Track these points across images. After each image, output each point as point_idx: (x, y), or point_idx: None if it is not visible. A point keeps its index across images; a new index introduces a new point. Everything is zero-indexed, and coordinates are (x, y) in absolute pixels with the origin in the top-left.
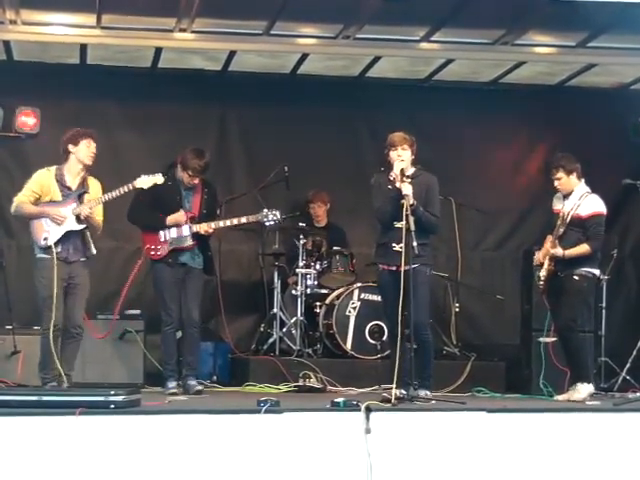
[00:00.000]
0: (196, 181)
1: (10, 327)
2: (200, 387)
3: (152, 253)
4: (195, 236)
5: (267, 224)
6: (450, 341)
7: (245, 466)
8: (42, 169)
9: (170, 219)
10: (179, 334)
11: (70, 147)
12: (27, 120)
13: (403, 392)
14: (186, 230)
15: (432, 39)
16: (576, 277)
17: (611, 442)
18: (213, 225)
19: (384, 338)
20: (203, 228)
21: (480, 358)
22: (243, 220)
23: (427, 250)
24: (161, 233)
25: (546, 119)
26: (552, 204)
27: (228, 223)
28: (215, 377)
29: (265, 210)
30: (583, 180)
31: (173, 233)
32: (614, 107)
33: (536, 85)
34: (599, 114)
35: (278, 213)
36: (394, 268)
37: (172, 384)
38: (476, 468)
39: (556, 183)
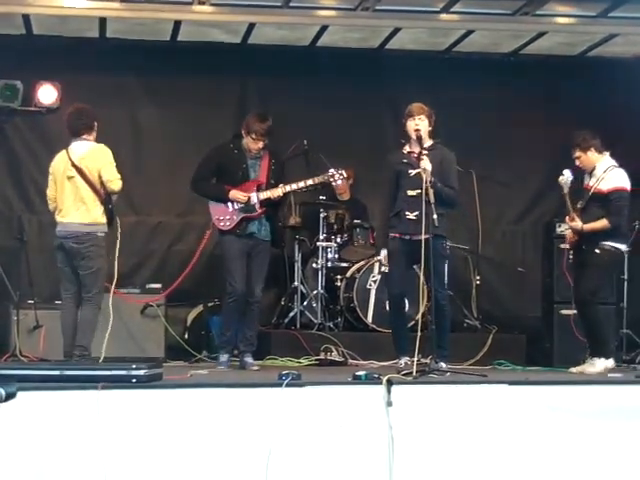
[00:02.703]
0: (260, 145)
1: (32, 302)
2: (257, 367)
3: (222, 225)
4: (264, 203)
5: (334, 184)
6: (471, 314)
7: (267, 440)
8: (103, 145)
9: (232, 194)
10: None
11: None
12: (47, 94)
13: (422, 361)
14: (254, 198)
15: (452, 10)
16: (598, 250)
17: (633, 414)
18: (280, 191)
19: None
20: (276, 193)
21: (501, 331)
22: (310, 182)
23: (443, 221)
24: (229, 203)
25: (567, 90)
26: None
27: (295, 187)
28: (236, 351)
29: (332, 170)
30: (607, 154)
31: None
32: (636, 77)
33: (557, 56)
34: (621, 85)
35: (344, 172)
36: (407, 237)
37: (224, 357)
38: (497, 440)
39: (577, 162)
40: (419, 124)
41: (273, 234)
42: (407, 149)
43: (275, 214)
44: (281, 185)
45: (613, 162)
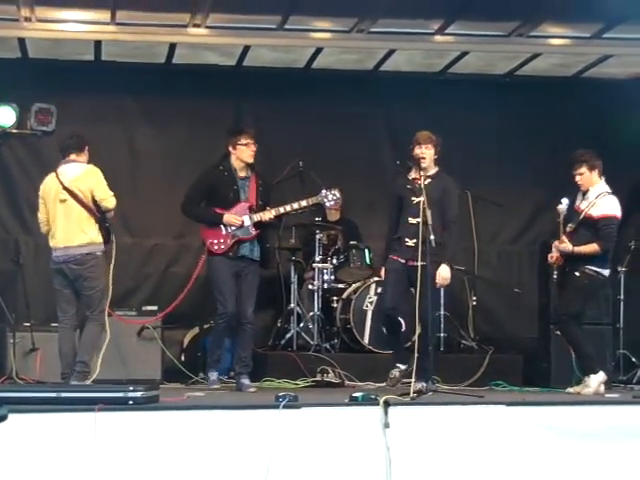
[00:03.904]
0: (253, 149)
1: (28, 324)
2: (254, 389)
3: (216, 248)
4: (257, 226)
5: (327, 204)
6: (468, 335)
7: (264, 461)
8: (92, 165)
9: (226, 219)
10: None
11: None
12: (43, 117)
13: (423, 384)
14: (247, 220)
15: (446, 32)
16: (577, 273)
17: (631, 434)
18: (274, 212)
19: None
20: (267, 216)
21: (498, 351)
22: (303, 204)
23: (438, 249)
24: (222, 227)
25: (562, 111)
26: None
27: (289, 208)
28: (233, 372)
29: (324, 191)
30: (603, 179)
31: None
32: (630, 98)
33: (551, 77)
34: (615, 106)
35: (337, 192)
36: (403, 261)
37: (214, 376)
38: (495, 462)
39: (578, 178)
40: (425, 152)
41: (263, 255)
42: (412, 175)
43: (265, 235)
44: (268, 208)
45: (607, 188)
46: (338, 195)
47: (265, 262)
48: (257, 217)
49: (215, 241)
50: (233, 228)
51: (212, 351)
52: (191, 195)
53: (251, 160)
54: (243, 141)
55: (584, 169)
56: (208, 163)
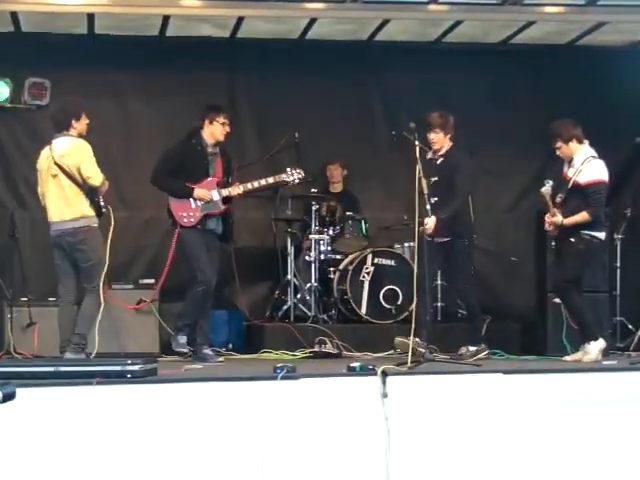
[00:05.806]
0: (228, 129)
1: (25, 299)
2: (221, 359)
3: (185, 220)
4: (225, 201)
5: (291, 182)
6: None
7: (262, 433)
8: (82, 140)
9: (197, 193)
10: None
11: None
12: (37, 91)
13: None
14: (216, 195)
15: (440, 1)
16: (572, 239)
17: (629, 401)
18: (242, 188)
19: (398, 302)
20: (236, 191)
21: (495, 320)
22: (270, 181)
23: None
24: (191, 200)
25: (557, 79)
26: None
27: (256, 185)
28: (230, 345)
29: (288, 169)
30: (587, 143)
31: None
32: (625, 66)
33: (546, 45)
34: (610, 73)
35: (302, 171)
36: (430, 239)
37: (183, 339)
38: (492, 430)
39: (557, 152)
40: (434, 137)
41: (226, 231)
42: (429, 155)
43: (229, 211)
44: (237, 183)
45: (592, 152)
46: (303, 174)
47: (227, 237)
48: (226, 192)
49: (184, 214)
50: (201, 202)
51: (186, 315)
52: (164, 167)
53: (223, 139)
54: (222, 119)
55: (560, 143)
56: None
